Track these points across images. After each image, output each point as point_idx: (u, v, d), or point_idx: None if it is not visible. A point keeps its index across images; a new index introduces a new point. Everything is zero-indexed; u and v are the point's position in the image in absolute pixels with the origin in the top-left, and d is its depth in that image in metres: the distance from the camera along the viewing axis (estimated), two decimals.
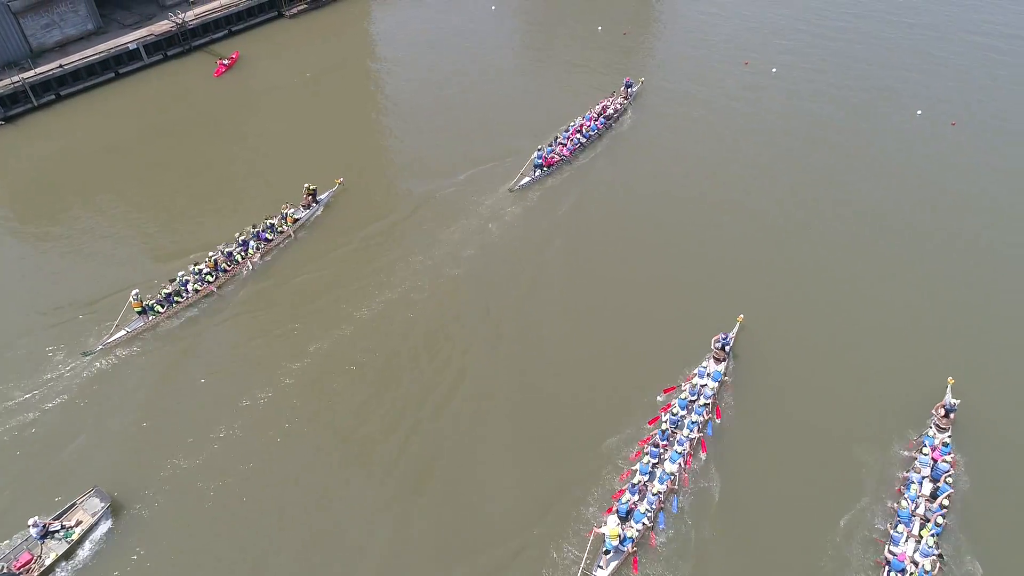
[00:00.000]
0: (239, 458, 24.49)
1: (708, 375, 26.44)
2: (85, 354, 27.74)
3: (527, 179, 37.00)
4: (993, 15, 52.62)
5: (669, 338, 28.51)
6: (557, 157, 37.98)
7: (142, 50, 48.52)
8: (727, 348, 27.25)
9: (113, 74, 46.95)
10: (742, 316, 28.50)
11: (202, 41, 50.70)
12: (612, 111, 41.66)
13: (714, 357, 27.04)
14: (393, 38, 53.57)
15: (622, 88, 44.11)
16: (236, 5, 51.87)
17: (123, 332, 28.71)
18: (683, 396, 25.76)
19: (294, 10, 54.03)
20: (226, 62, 48.21)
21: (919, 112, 39.65)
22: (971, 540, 21.93)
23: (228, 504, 23.44)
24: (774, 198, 35.59)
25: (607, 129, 41.21)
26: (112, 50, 47.38)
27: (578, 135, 39.39)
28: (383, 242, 33.87)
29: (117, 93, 46.24)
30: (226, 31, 51.79)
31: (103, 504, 22.74)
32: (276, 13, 53.87)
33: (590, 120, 40.64)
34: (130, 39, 48.78)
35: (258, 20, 53.09)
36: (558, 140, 39.04)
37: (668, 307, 30.09)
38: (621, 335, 28.88)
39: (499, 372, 27.73)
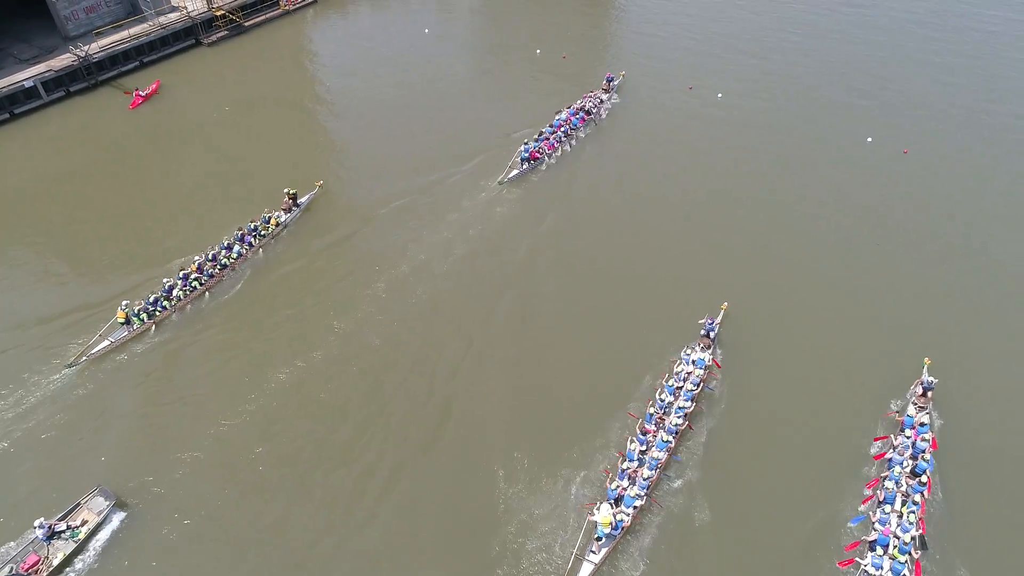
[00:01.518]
0: (238, 457, 27.06)
1: (694, 362, 29.57)
2: (69, 366, 29.87)
3: (515, 172, 41.02)
4: (943, 41, 55.43)
5: (657, 328, 31.93)
6: (544, 151, 42.29)
7: (40, 87, 47.85)
8: (712, 335, 30.49)
9: (8, 115, 46.80)
10: (726, 304, 32.21)
11: (110, 74, 51.29)
12: (594, 105, 46.52)
13: (700, 344, 30.33)
14: (325, 62, 55.83)
15: (604, 83, 48.60)
16: (147, 34, 52.70)
17: (107, 342, 30.85)
18: (670, 383, 28.72)
19: (213, 37, 55.66)
20: (143, 93, 48.99)
21: (869, 139, 43.24)
22: (951, 515, 25.06)
23: (231, 500, 25.79)
24: (742, 213, 38.90)
25: (590, 122, 45.97)
26: (4, 89, 46.74)
27: (563, 129, 43.82)
28: (369, 242, 37.22)
29: (13, 135, 45.78)
30: (137, 62, 52.64)
31: (108, 503, 24.73)
32: (194, 41, 55.58)
33: (574, 114, 45.16)
34: (26, 76, 47.85)
35: (174, 49, 54.44)
36: (544, 134, 43.26)
37: (655, 298, 33.66)
38: (610, 325, 32.29)
39: (492, 364, 30.80)
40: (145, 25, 53.99)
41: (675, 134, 45.88)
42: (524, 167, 41.65)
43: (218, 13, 56.28)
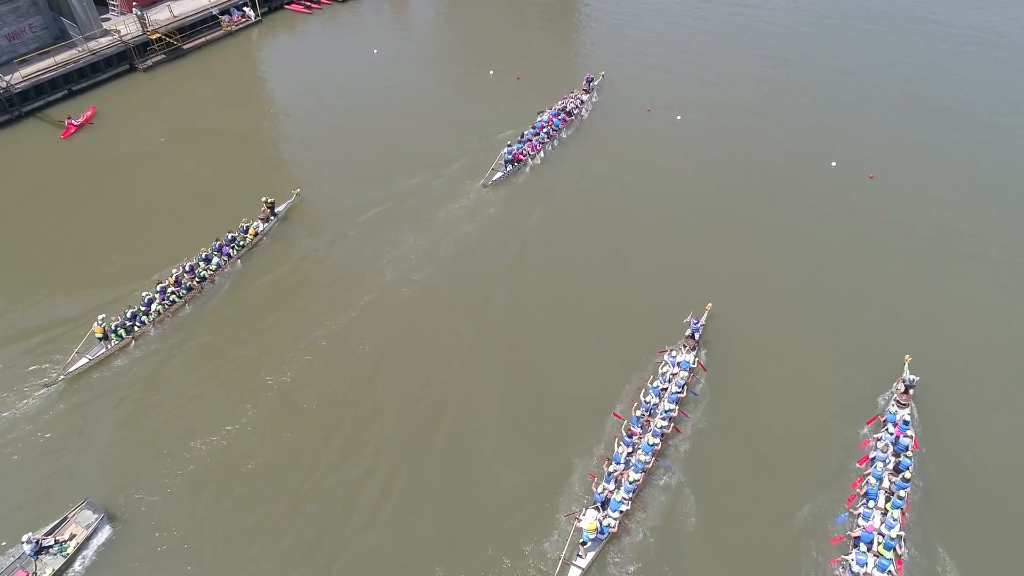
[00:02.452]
0: (227, 469, 28.23)
1: (679, 363, 30.86)
2: (47, 385, 30.50)
3: (499, 174, 42.59)
4: (908, 65, 55.67)
5: (641, 329, 33.48)
6: (527, 152, 44.12)
7: None
8: (697, 336, 31.80)
9: None
10: (711, 305, 33.71)
11: (36, 105, 50.41)
12: (575, 106, 48.71)
13: (684, 345, 31.64)
14: (273, 84, 56.54)
15: (583, 83, 50.65)
16: (75, 62, 51.90)
17: (85, 360, 31.46)
18: (656, 384, 30.01)
19: (148, 62, 55.11)
20: (76, 122, 48.28)
21: (833, 164, 43.99)
22: (934, 511, 26.44)
23: (220, 513, 26.82)
24: (724, 216, 40.92)
25: (572, 123, 48.23)
26: None
27: (545, 130, 45.53)
28: (353, 248, 38.65)
29: None
30: (65, 91, 51.86)
31: (96, 516, 25.41)
32: (128, 66, 55.03)
33: (555, 115, 46.88)
34: None
35: (106, 76, 53.67)
36: (526, 136, 44.83)
37: (639, 300, 35.26)
38: (595, 328, 33.86)
39: (478, 365, 32.46)
40: (74, 51, 52.72)
41: (644, 151, 47.34)
42: (508, 169, 43.17)
43: (154, 37, 55.33)
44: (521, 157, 44.01)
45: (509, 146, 43.93)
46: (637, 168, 45.23)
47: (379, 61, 58.43)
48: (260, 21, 62.77)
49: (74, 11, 53.74)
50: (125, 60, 56.10)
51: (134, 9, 56.62)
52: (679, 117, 49.14)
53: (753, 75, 55.03)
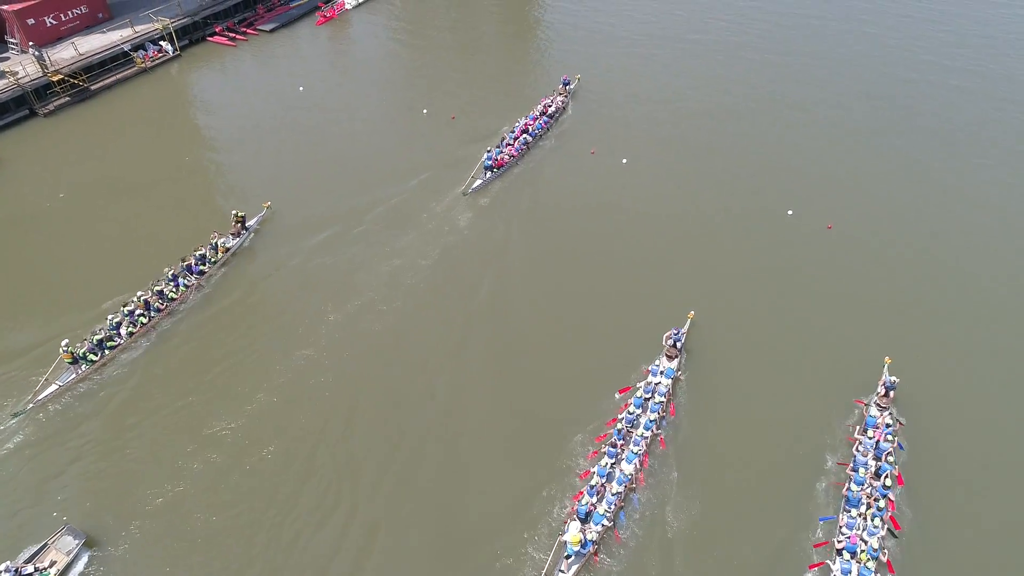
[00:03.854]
0: (209, 489, 29.25)
1: (661, 372, 32.15)
2: (15, 415, 30.88)
3: (479, 181, 43.68)
4: (873, 105, 55.60)
5: (624, 338, 34.96)
6: (507, 158, 45.14)
7: None
8: (679, 345, 33.04)
9: None
10: (692, 313, 35.17)
11: None
12: (554, 109, 50.31)
13: (667, 354, 32.85)
14: (195, 121, 55.92)
15: (560, 86, 52.36)
16: None
17: (54, 387, 31.74)
18: (638, 395, 31.05)
19: (50, 106, 52.98)
20: None
21: (790, 212, 44.21)
22: (916, 515, 27.82)
23: (203, 533, 27.87)
24: (706, 222, 42.98)
25: (551, 127, 50.06)
26: None
27: (524, 135, 46.47)
28: (331, 260, 39.84)
29: None
30: None
31: (77, 541, 26.00)
32: (27, 111, 52.84)
33: (534, 119, 48.16)
34: None
35: (2, 123, 52.10)
36: (505, 141, 46.30)
37: (621, 307, 36.79)
38: (577, 337, 35.36)
39: (463, 376, 33.84)
40: None
41: (621, 159, 48.87)
42: (488, 176, 44.29)
43: (55, 78, 52.54)
44: (501, 163, 45.12)
45: (488, 152, 44.66)
46: (618, 173, 47.28)
47: (300, 101, 57.74)
48: (179, 56, 60.34)
49: None
50: (24, 105, 53.71)
51: (30, 49, 54.80)
52: (624, 160, 49.17)
53: (702, 116, 55.66)
